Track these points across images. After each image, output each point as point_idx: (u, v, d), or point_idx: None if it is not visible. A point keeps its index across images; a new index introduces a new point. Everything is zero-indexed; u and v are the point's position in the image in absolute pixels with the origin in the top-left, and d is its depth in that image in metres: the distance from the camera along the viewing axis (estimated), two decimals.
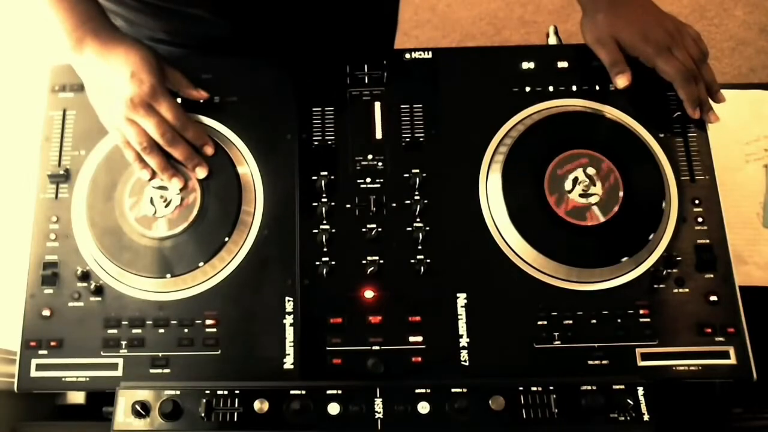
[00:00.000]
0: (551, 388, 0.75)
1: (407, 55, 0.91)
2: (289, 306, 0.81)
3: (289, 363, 0.79)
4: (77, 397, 0.90)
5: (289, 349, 0.79)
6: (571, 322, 0.79)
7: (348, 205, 0.84)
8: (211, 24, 0.94)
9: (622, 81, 0.86)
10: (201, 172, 0.84)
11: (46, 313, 0.81)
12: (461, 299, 0.80)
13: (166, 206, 0.83)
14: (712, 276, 0.81)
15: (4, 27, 0.94)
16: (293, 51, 0.92)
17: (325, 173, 0.85)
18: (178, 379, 0.78)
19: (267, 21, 0.96)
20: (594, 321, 0.79)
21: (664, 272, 0.80)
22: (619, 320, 0.79)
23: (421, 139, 0.87)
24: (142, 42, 0.86)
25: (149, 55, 0.84)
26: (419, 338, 0.79)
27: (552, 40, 1.01)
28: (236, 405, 0.75)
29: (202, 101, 0.88)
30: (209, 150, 0.85)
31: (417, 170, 0.85)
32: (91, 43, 0.84)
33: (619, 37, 0.87)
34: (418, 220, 0.83)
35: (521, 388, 0.75)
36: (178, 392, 0.76)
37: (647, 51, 0.86)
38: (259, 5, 0.93)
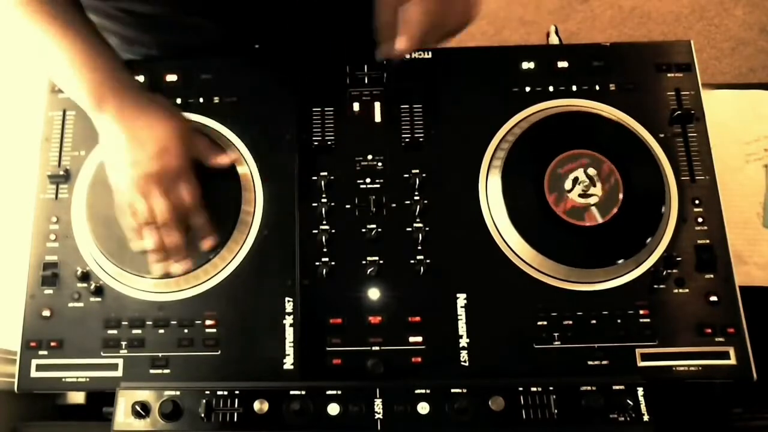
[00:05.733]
0: (551, 388, 0.75)
1: (407, 55, 0.91)
2: (289, 306, 0.81)
3: (289, 363, 0.79)
4: (77, 397, 0.90)
5: (289, 350, 0.79)
6: (571, 322, 0.79)
7: (348, 205, 0.84)
8: (206, 31, 0.93)
9: (390, 50, 0.76)
10: (178, 269, 0.80)
11: (46, 313, 0.81)
12: (461, 299, 0.80)
13: None
14: (712, 276, 0.81)
15: (4, 28, 0.94)
16: (288, 51, 0.92)
17: (325, 173, 0.85)
18: (178, 379, 0.78)
19: (261, 22, 0.96)
20: (594, 321, 0.79)
21: (664, 272, 0.80)
22: (619, 320, 0.79)
23: (421, 139, 0.87)
24: (168, 108, 0.81)
25: (178, 129, 0.79)
26: (419, 338, 0.79)
27: (552, 40, 1.01)
28: (236, 405, 0.75)
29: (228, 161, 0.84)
30: (207, 244, 0.81)
31: (417, 170, 0.85)
32: (113, 105, 0.77)
33: None
34: (418, 220, 0.83)
35: (521, 389, 0.75)
36: (178, 392, 0.76)
37: None
38: (254, 7, 0.93)
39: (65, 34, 0.77)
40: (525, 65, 0.90)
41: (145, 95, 0.81)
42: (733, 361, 0.78)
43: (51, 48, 0.77)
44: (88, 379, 0.79)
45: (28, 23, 0.77)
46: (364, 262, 0.82)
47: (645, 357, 0.78)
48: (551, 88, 0.89)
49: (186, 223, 0.80)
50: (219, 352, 0.80)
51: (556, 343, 0.79)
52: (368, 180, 0.85)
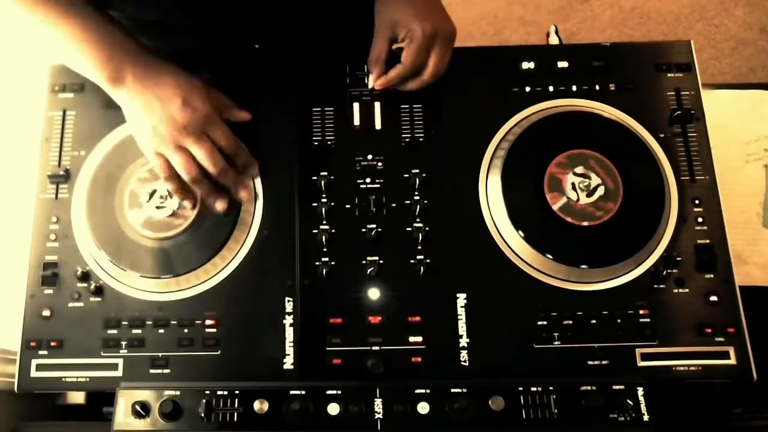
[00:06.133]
0: (551, 388, 0.75)
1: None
2: (289, 306, 0.81)
3: (289, 363, 0.79)
4: (77, 397, 0.90)
5: (289, 350, 0.79)
6: (571, 322, 0.79)
7: (348, 205, 0.84)
8: (209, 33, 0.94)
9: (371, 83, 0.87)
10: (245, 195, 0.83)
11: (46, 313, 0.81)
12: (461, 299, 0.80)
13: (166, 206, 0.83)
14: (712, 276, 0.81)
15: (4, 27, 0.94)
16: (288, 51, 0.92)
17: (325, 173, 0.85)
18: (178, 379, 0.78)
19: (261, 22, 0.96)
20: (594, 321, 0.79)
21: (664, 272, 0.80)
22: (619, 320, 0.79)
23: (421, 139, 0.87)
24: (183, 69, 0.83)
25: (198, 81, 0.82)
26: (419, 338, 0.79)
27: (552, 40, 1.01)
28: (236, 405, 0.75)
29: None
30: (255, 172, 0.84)
31: (417, 170, 0.85)
32: (132, 72, 0.79)
33: (397, 17, 0.84)
34: (418, 220, 0.83)
35: (521, 389, 0.75)
36: (178, 392, 0.76)
37: (415, 29, 0.82)
38: (254, 7, 0.93)
39: (67, 18, 0.78)
40: (525, 65, 0.90)
41: (157, 58, 0.82)
42: (733, 361, 0.78)
43: (57, 36, 0.79)
44: (88, 379, 0.79)
45: (29, 16, 0.78)
46: (364, 262, 0.82)
47: (645, 357, 0.78)
48: (551, 88, 0.89)
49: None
50: (219, 352, 0.80)
51: (556, 343, 0.79)
52: (368, 180, 0.85)
